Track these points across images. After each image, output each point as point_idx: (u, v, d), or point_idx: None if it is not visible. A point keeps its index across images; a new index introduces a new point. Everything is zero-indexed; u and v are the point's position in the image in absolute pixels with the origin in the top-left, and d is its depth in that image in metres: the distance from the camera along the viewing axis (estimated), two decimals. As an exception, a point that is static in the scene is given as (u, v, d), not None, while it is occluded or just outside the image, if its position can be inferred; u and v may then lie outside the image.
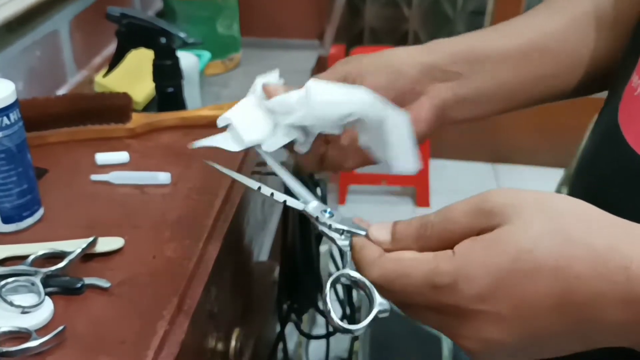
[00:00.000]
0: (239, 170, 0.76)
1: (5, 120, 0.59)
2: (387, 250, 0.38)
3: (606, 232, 0.34)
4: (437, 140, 2.34)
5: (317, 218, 0.42)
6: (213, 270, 0.63)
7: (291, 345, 1.09)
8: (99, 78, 1.10)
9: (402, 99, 0.54)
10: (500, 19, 0.59)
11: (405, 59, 0.55)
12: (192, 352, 0.58)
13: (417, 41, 2.04)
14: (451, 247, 0.36)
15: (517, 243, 0.34)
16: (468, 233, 0.36)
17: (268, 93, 0.51)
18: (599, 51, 0.55)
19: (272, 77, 0.53)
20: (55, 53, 1.10)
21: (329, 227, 0.42)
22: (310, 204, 0.44)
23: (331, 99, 0.48)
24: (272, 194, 0.45)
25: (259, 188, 0.45)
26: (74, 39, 1.14)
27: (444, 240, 0.37)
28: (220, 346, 0.67)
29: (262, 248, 0.96)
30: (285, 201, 0.44)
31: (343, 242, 0.41)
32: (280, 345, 0.97)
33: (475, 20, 2.42)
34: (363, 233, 0.40)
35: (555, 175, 1.96)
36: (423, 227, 0.38)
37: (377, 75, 0.53)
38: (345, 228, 0.41)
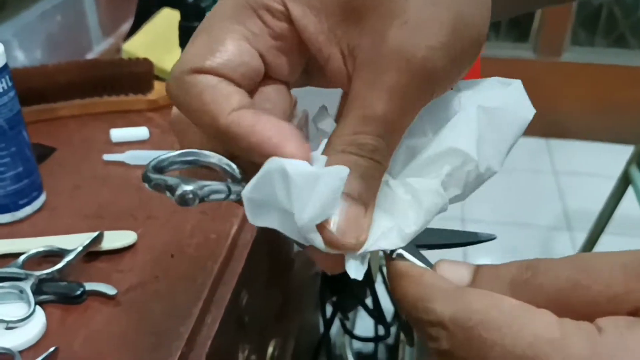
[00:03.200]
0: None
1: (-8, 89, 0.49)
2: None
3: None
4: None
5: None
6: (244, 269, 0.52)
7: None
8: (127, 45, 1.00)
9: None
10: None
11: None
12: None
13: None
14: (573, 312, 0.22)
15: None
16: (613, 303, 0.22)
17: None
18: None
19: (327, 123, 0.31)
20: (78, 18, 1.00)
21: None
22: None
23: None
24: None
25: None
26: (99, 2, 1.04)
27: (566, 300, 0.23)
28: (253, 358, 0.57)
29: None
30: None
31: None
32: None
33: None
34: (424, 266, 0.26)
35: (614, 151, 1.80)
36: (530, 268, 0.24)
37: None
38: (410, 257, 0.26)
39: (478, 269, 0.25)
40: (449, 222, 2.07)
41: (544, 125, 2.52)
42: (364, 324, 1.00)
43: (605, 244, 1.54)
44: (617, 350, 0.20)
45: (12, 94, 0.51)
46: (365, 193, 0.26)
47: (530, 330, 0.21)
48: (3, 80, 0.49)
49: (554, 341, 0.21)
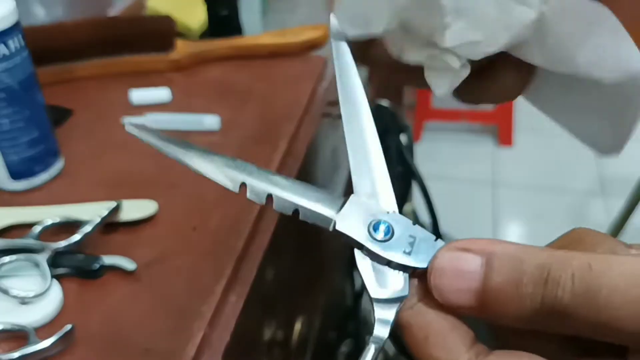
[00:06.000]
0: (304, 114, 0.61)
1: (3, 50, 0.45)
2: None
3: None
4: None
5: (358, 244, 0.23)
6: (271, 243, 0.49)
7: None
8: (151, 1, 0.96)
9: None
10: None
11: None
12: (240, 355, 0.45)
13: None
14: None
15: None
16: None
17: None
18: None
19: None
20: (98, -30, 0.96)
21: (386, 262, 0.23)
22: (342, 211, 0.24)
23: None
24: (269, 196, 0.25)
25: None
26: (120, -45, 1.00)
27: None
28: (279, 335, 0.54)
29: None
30: (297, 211, 0.25)
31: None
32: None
33: None
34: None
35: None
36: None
37: None
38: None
39: (491, 260, 0.21)
40: (479, 185, 2.02)
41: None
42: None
43: (643, 211, 1.49)
44: None
45: (25, 54, 0.47)
46: None
47: None
48: (16, 39, 0.46)
49: None
